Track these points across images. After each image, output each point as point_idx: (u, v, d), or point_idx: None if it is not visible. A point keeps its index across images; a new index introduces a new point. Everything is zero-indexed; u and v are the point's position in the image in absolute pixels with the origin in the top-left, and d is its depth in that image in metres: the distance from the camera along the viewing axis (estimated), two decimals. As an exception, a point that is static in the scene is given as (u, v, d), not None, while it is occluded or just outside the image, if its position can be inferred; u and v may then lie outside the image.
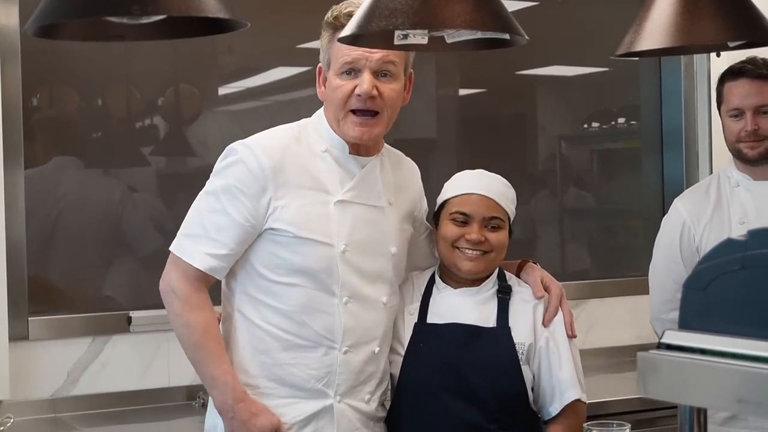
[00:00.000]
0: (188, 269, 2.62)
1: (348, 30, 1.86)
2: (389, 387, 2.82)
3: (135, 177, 4.01)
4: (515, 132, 4.85)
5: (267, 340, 2.66)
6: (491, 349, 2.77)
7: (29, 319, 3.66)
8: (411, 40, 1.96)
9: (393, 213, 2.76)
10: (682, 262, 3.33)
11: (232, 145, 2.67)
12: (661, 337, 1.54)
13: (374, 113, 2.63)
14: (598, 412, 3.23)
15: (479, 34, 1.95)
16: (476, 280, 2.85)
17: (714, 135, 4.63)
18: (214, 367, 2.61)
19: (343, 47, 2.55)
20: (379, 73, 2.62)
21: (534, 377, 2.81)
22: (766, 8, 2.21)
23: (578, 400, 2.81)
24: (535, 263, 2.98)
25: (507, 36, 1.92)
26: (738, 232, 2.93)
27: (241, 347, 2.68)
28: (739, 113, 3.25)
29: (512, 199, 2.87)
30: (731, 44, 2.23)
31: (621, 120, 5.08)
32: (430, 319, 2.83)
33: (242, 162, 2.61)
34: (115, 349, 3.77)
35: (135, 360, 3.80)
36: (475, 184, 2.83)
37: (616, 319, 4.61)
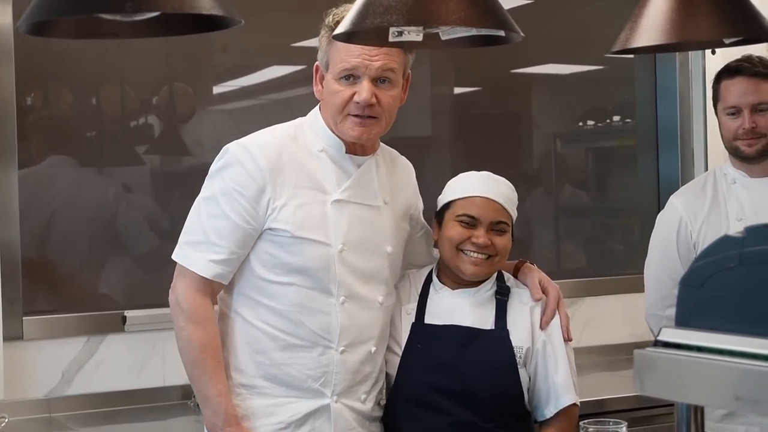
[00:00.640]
0: (194, 278, 2.60)
1: (342, 27, 1.85)
2: (384, 386, 2.81)
3: (129, 176, 4.00)
4: (510, 130, 4.85)
5: (263, 339, 2.65)
6: (490, 351, 2.77)
7: (24, 318, 3.65)
8: (405, 38, 1.95)
9: (389, 212, 2.75)
10: (679, 259, 3.34)
11: (227, 146, 2.65)
12: (657, 335, 1.54)
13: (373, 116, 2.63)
14: (594, 411, 3.23)
15: (474, 31, 1.95)
16: (475, 282, 2.84)
17: (709, 133, 4.63)
18: (210, 387, 2.60)
19: (342, 52, 2.55)
20: (378, 80, 2.60)
21: (530, 379, 2.81)
22: (761, 5, 2.20)
23: (572, 405, 2.82)
24: (532, 263, 2.97)
25: (502, 33, 1.91)
26: (735, 229, 2.93)
27: (237, 347, 2.68)
28: (736, 111, 3.26)
29: (515, 202, 2.87)
30: (727, 41, 2.22)
31: (616, 118, 5.08)
32: (428, 319, 2.82)
33: (239, 163, 2.59)
34: (110, 348, 3.76)
35: (130, 359, 3.79)
36: (483, 187, 2.81)
37: (612, 317, 4.61)
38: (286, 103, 4.35)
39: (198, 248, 2.60)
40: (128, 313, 3.78)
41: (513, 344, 2.78)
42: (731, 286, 1.46)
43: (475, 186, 2.83)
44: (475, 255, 2.77)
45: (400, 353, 2.79)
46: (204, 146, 4.05)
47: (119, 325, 3.77)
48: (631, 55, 4.79)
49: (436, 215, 2.87)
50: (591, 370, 4.16)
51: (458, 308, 2.82)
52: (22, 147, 3.67)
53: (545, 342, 2.81)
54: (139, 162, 4.01)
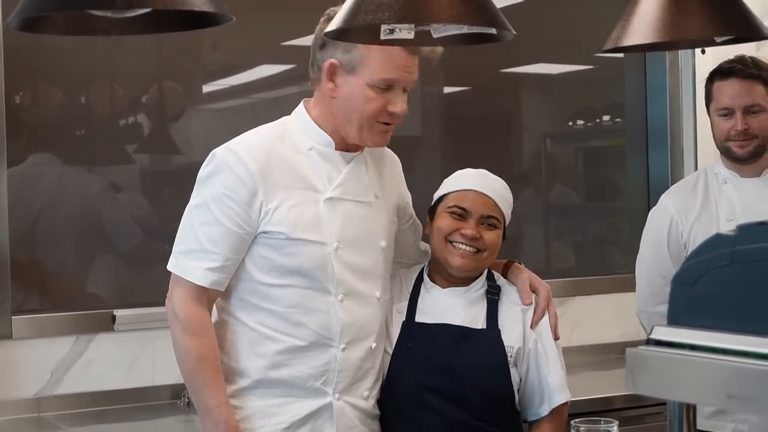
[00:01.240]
0: (190, 288, 2.57)
1: (334, 24, 1.85)
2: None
3: (119, 175, 3.98)
4: (500, 130, 4.85)
5: (263, 342, 2.62)
6: (481, 351, 2.77)
7: (12, 317, 3.63)
8: (397, 35, 1.94)
9: (380, 207, 2.74)
10: (670, 257, 3.35)
11: (214, 151, 2.61)
12: (650, 333, 1.53)
13: None
14: (585, 410, 3.23)
15: (466, 29, 1.94)
16: (466, 280, 2.84)
17: (699, 132, 4.64)
18: (210, 397, 2.56)
19: (386, 61, 2.54)
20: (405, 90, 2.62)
21: (521, 379, 2.81)
22: (752, 4, 2.20)
23: (564, 403, 2.83)
24: (520, 263, 2.97)
25: (494, 31, 1.91)
26: (725, 228, 2.94)
27: (237, 350, 2.65)
28: (728, 112, 3.26)
29: (510, 203, 2.87)
30: (718, 39, 2.22)
31: (606, 117, 5.09)
32: (419, 318, 2.82)
33: (228, 168, 2.56)
34: (100, 347, 3.75)
35: (119, 359, 3.78)
36: (476, 182, 2.83)
37: (602, 317, 4.61)
38: (275, 102, 4.34)
39: (193, 257, 2.57)
40: (118, 312, 3.76)
41: (504, 344, 2.78)
42: (723, 285, 1.46)
43: (469, 181, 2.84)
44: (463, 247, 2.77)
45: (391, 351, 2.79)
46: (193, 145, 4.04)
47: (109, 324, 3.76)
48: (621, 55, 4.80)
49: (430, 210, 2.87)
50: (581, 369, 4.16)
51: (449, 307, 2.81)
52: (11, 146, 3.65)
53: (536, 341, 2.81)
54: (128, 161, 3.99)
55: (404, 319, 2.81)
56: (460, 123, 4.71)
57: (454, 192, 2.82)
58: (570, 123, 5.01)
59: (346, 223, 2.65)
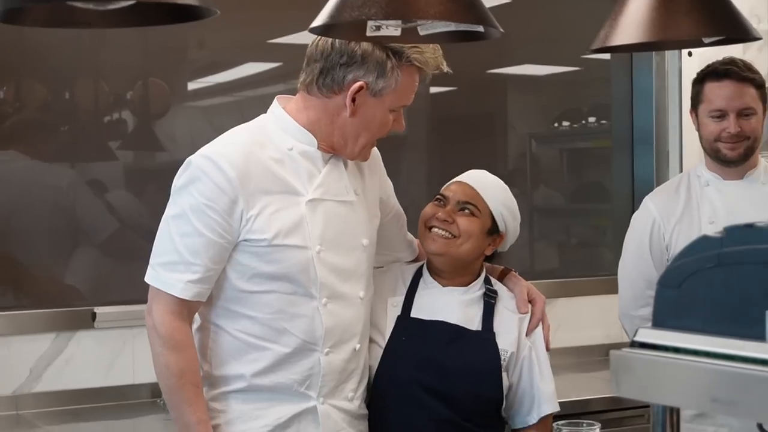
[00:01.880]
0: (170, 301, 2.50)
1: (320, 20, 1.83)
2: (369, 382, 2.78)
3: (102, 171, 3.96)
4: (486, 130, 4.84)
5: (246, 349, 2.58)
6: (475, 351, 2.76)
7: (-10, 314, 3.62)
8: (384, 32, 1.93)
9: (361, 204, 2.71)
10: (652, 260, 3.35)
11: (189, 159, 2.53)
12: (634, 336, 1.52)
13: None
14: (568, 412, 3.22)
15: (453, 26, 1.93)
16: (464, 281, 2.83)
17: (684, 135, 4.64)
18: (189, 414, 2.51)
19: (411, 88, 2.59)
20: None
21: (511, 385, 2.80)
22: (740, 5, 2.19)
23: (551, 413, 2.83)
24: (515, 272, 2.97)
25: (481, 28, 1.90)
26: (707, 231, 2.93)
27: (218, 358, 2.60)
28: (721, 114, 3.25)
29: (503, 202, 2.84)
30: (706, 40, 2.22)
31: (591, 119, 5.09)
32: (414, 313, 2.80)
33: (206, 176, 2.48)
34: (79, 345, 3.73)
35: (99, 356, 3.75)
36: (467, 176, 2.86)
37: (585, 319, 4.61)
38: (261, 100, 4.29)
39: (173, 269, 2.50)
40: (98, 310, 3.74)
41: (498, 347, 2.77)
42: (709, 287, 1.45)
43: (463, 176, 2.86)
44: (438, 230, 2.77)
45: (384, 345, 2.77)
46: (178, 142, 4.02)
47: (89, 321, 3.74)
48: (608, 56, 4.80)
49: None
50: (565, 371, 4.16)
51: (446, 305, 2.80)
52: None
53: (531, 348, 2.81)
54: (111, 157, 3.97)
55: (399, 313, 2.80)
56: (445, 123, 4.70)
57: (446, 185, 2.86)
58: (556, 124, 5.01)
59: (328, 225, 2.61)
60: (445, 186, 2.87)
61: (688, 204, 3.36)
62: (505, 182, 2.91)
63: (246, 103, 4.34)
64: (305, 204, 2.58)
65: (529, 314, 2.85)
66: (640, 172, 4.89)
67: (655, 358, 1.47)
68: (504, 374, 2.77)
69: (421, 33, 1.94)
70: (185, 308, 2.53)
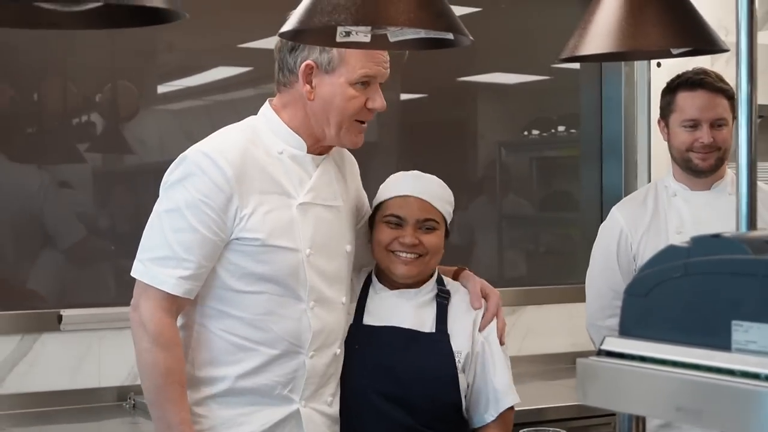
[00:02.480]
0: (160, 297, 2.47)
1: (289, 25, 1.82)
2: None
3: (70, 173, 3.93)
4: (455, 138, 4.85)
5: (231, 350, 2.56)
6: (429, 355, 2.75)
7: (-46, 316, 3.58)
8: (353, 38, 1.92)
9: (345, 210, 2.72)
10: (619, 270, 3.36)
11: (185, 153, 2.52)
12: (601, 344, 1.52)
13: None
14: (534, 419, 3.23)
15: (423, 34, 1.93)
16: (415, 282, 2.82)
17: (653, 145, 4.66)
18: (173, 414, 2.47)
19: (364, 56, 2.51)
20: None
21: (468, 386, 2.79)
22: (709, 17, 2.21)
23: (510, 408, 2.81)
24: (468, 270, 2.96)
25: (451, 36, 1.90)
26: (674, 241, 2.95)
27: (202, 358, 2.57)
28: (694, 124, 3.26)
29: (448, 201, 2.84)
30: (674, 51, 2.22)
31: (561, 128, 5.10)
32: (366, 320, 2.79)
33: (202, 172, 2.47)
34: (45, 347, 3.70)
35: (65, 359, 3.73)
36: (410, 187, 2.80)
37: (553, 327, 4.62)
38: (231, 104, 4.31)
39: (165, 264, 2.47)
40: (64, 312, 3.71)
41: (453, 349, 2.76)
42: (676, 296, 1.45)
43: (402, 186, 2.81)
44: (405, 254, 2.75)
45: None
46: (147, 145, 3.99)
47: (54, 324, 3.71)
48: (577, 66, 4.82)
49: (369, 219, 2.85)
50: (531, 378, 4.17)
51: (398, 310, 2.80)
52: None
53: (483, 344, 2.80)
54: (79, 159, 3.94)
55: (351, 321, 2.78)
56: (415, 130, 4.70)
57: (389, 199, 2.80)
58: (525, 133, 5.03)
59: (317, 229, 2.60)
60: (390, 199, 2.79)
61: (656, 214, 3.37)
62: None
63: (215, 107, 4.32)
64: (296, 207, 2.57)
65: (482, 310, 2.83)
66: (608, 181, 4.91)
67: (621, 366, 1.47)
68: (461, 375, 2.76)
69: (391, 40, 1.93)
70: (174, 305, 2.50)
